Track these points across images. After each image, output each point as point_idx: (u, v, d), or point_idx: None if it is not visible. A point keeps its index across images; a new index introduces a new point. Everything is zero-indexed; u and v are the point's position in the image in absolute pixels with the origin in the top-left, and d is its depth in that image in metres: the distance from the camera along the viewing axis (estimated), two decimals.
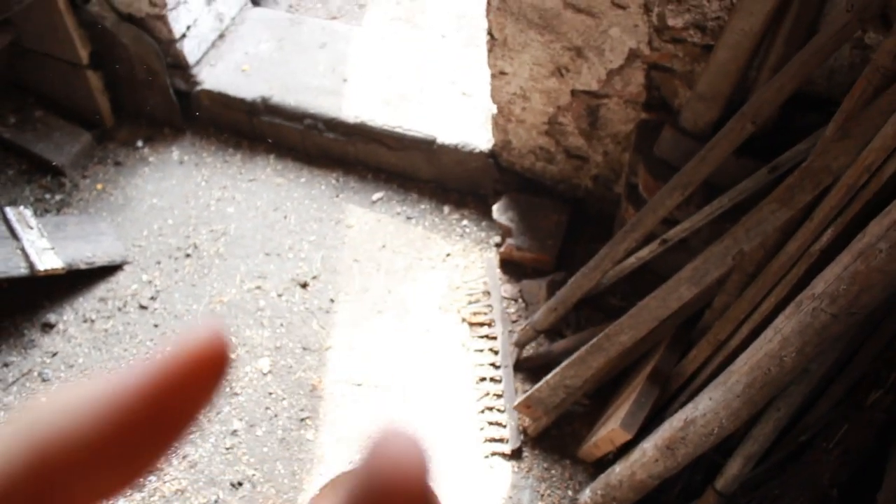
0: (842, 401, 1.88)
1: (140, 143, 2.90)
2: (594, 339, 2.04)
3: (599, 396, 2.25)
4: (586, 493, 2.09)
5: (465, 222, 2.64)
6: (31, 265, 2.35)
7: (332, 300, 2.51)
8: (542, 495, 2.17)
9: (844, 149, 1.69)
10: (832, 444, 1.88)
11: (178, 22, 2.63)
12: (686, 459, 1.86)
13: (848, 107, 1.70)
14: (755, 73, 1.94)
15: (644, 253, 2.12)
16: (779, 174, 1.90)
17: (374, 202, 2.72)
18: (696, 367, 1.96)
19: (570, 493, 2.18)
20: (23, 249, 2.39)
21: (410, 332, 2.43)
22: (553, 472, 2.20)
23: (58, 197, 2.77)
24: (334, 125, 2.68)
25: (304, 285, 2.54)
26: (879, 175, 1.60)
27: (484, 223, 2.61)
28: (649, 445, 1.91)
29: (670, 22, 1.96)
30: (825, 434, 1.89)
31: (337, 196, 2.75)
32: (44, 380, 2.44)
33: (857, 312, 1.56)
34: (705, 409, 1.78)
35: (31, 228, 2.48)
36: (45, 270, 2.36)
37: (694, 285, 1.90)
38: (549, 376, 2.12)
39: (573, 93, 2.22)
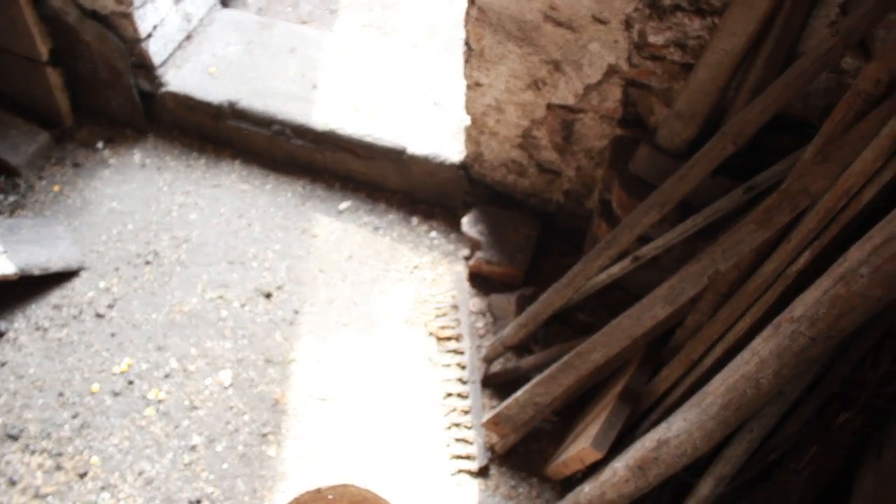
0: (811, 421, 1.88)
1: (100, 145, 2.80)
2: (566, 357, 2.01)
3: (568, 414, 2.22)
4: None
5: (433, 234, 2.59)
6: None
7: (296, 311, 2.45)
8: None
9: (823, 172, 1.69)
10: (801, 464, 1.88)
11: (144, 20, 2.55)
12: (658, 480, 1.84)
13: (828, 130, 1.70)
14: (734, 94, 1.94)
15: (615, 270, 2.10)
16: (753, 194, 1.90)
17: (341, 211, 2.67)
18: (667, 387, 1.95)
19: None
20: None
21: (376, 346, 2.38)
22: (520, 490, 2.17)
23: (12, 198, 2.65)
24: (302, 132, 2.62)
25: (268, 296, 2.47)
26: (858, 199, 1.60)
27: (453, 235, 2.57)
28: (620, 465, 1.89)
29: (651, 39, 1.95)
30: (794, 454, 1.89)
31: (303, 204, 2.68)
32: None
33: (836, 336, 1.55)
34: (679, 430, 1.76)
35: None
36: None
37: (668, 304, 1.89)
38: (518, 393, 2.09)
39: (549, 106, 2.20)
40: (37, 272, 2.39)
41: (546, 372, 2.04)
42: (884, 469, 1.76)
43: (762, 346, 1.62)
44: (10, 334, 2.38)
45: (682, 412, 1.78)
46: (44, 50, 2.55)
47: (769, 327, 1.61)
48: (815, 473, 1.87)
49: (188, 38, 2.81)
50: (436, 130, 2.57)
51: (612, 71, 2.06)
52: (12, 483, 2.11)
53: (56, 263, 2.45)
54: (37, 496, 2.10)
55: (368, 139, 2.55)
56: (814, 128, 1.74)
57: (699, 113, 1.95)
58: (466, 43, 2.20)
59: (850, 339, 1.78)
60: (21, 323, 2.41)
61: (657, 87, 2.05)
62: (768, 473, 1.94)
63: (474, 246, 2.43)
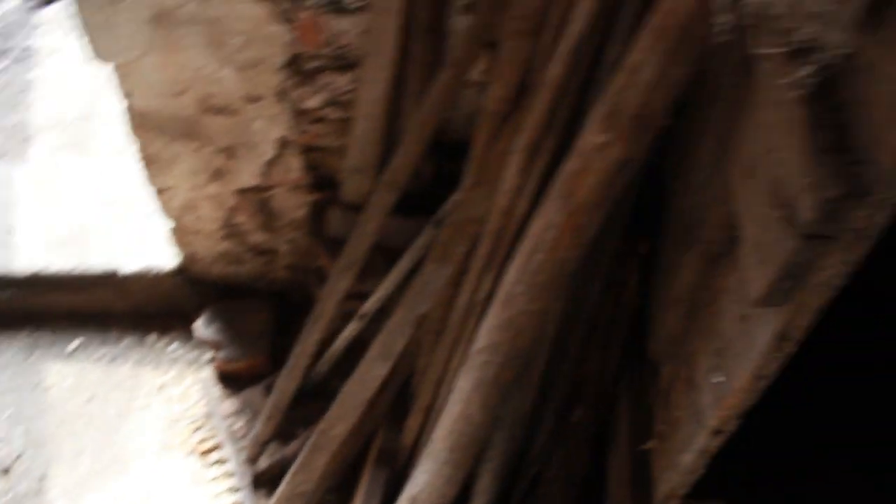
0: (554, 428, 1.91)
1: None
2: (311, 438, 1.95)
3: (346, 486, 2.15)
4: None
5: (173, 346, 2.46)
6: None
7: (41, 478, 2.22)
8: None
9: (481, 196, 1.73)
10: (554, 470, 1.90)
11: None
12: None
13: (476, 154, 1.75)
14: (398, 135, 1.97)
15: (348, 332, 2.07)
16: (440, 224, 1.92)
17: (71, 353, 2.46)
18: (414, 437, 1.92)
19: None
20: None
21: (136, 485, 2.20)
22: None
23: None
24: (7, 282, 2.43)
25: (6, 471, 2.24)
26: (514, 216, 1.64)
27: (193, 342, 2.45)
28: None
29: (308, 104, 1.95)
30: (548, 463, 1.91)
31: (29, 357, 2.46)
32: None
33: (523, 354, 1.58)
34: (423, 483, 1.74)
35: None
36: None
37: (385, 359, 1.87)
38: (280, 489, 2.00)
39: (238, 192, 2.15)
40: None
41: (298, 460, 1.97)
42: (620, 450, 1.80)
43: (464, 382, 1.63)
44: None
45: (422, 464, 1.75)
46: None
47: (464, 363, 1.63)
48: (570, 474, 1.90)
49: None
50: (151, 241, 2.45)
51: (283, 143, 2.04)
52: None
53: None
54: None
55: (77, 271, 2.40)
56: None
57: (370, 163, 1.95)
58: (140, 150, 2.12)
59: (559, 343, 1.83)
60: None
61: (332, 146, 2.05)
62: (533, 489, 1.95)
63: (214, 347, 2.33)
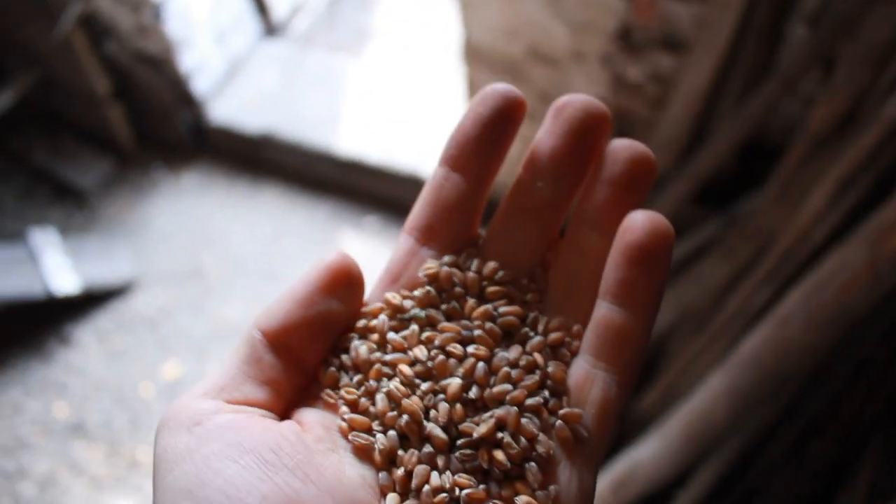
0: (788, 448, 1.91)
1: (156, 170, 3.10)
2: None
3: None
4: None
5: None
6: (48, 290, 2.56)
7: None
8: None
9: (781, 210, 1.73)
10: (775, 491, 1.92)
11: (186, 62, 2.80)
12: (634, 499, 1.93)
13: (786, 169, 1.73)
14: (710, 123, 1.98)
15: None
16: (729, 224, 1.94)
17: (367, 226, 2.86)
18: (645, 410, 2.02)
19: None
20: (43, 273, 2.61)
21: None
22: None
23: (81, 219, 2.98)
24: (329, 158, 2.81)
25: None
26: (810, 240, 1.63)
27: None
28: (602, 482, 1.98)
29: (628, 73, 2.01)
30: (769, 484, 1.93)
31: (333, 221, 2.88)
32: (62, 388, 2.66)
33: (781, 376, 1.60)
34: (648, 455, 1.85)
35: (55, 249, 2.70)
36: (62, 296, 2.58)
37: None
38: None
39: None
40: (98, 291, 2.70)
41: None
42: (856, 497, 1.78)
43: (716, 382, 1.68)
44: (77, 340, 2.71)
45: (651, 438, 1.86)
46: (103, 87, 2.84)
47: (722, 365, 1.68)
48: (789, 501, 1.90)
49: (229, 73, 3.05)
50: None
51: None
52: (76, 468, 2.43)
53: (115, 280, 2.76)
54: (93, 481, 2.42)
55: (386, 165, 2.72)
56: None
57: (676, 143, 2.00)
58: (466, 77, 2.32)
59: (824, 371, 1.81)
60: (84, 330, 2.73)
61: (640, 118, 2.11)
62: (746, 499, 1.98)
63: None
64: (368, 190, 2.87)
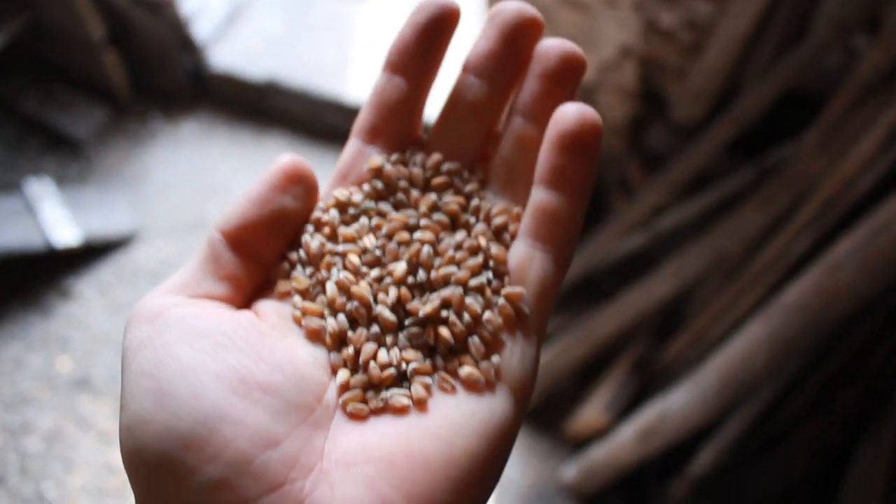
0: (813, 398, 1.94)
1: (154, 119, 2.99)
2: (576, 329, 2.12)
3: (583, 378, 2.33)
4: (569, 470, 2.18)
5: None
6: (48, 242, 2.47)
7: None
8: (529, 467, 2.28)
9: (823, 159, 1.72)
10: (800, 436, 1.95)
11: (186, 5, 2.69)
12: (661, 447, 1.95)
13: (830, 116, 1.73)
14: (745, 72, 1.96)
15: (633, 243, 2.18)
16: (764, 173, 1.94)
17: None
18: (673, 358, 2.03)
19: (552, 467, 2.28)
20: (41, 225, 2.51)
21: None
22: (539, 447, 2.30)
23: (77, 170, 2.87)
24: (337, 106, 2.74)
25: None
26: (855, 188, 1.63)
27: None
28: (627, 431, 2.00)
29: (662, 19, 1.98)
30: (796, 428, 1.96)
31: None
32: (65, 342, 2.58)
33: (825, 325, 1.61)
34: (679, 403, 1.86)
35: (52, 200, 2.60)
36: (63, 248, 2.49)
37: (675, 280, 1.96)
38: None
39: None
40: (98, 242, 2.61)
41: (560, 345, 2.15)
42: (881, 444, 1.82)
43: (756, 330, 1.69)
44: (77, 293, 2.63)
45: (684, 387, 1.87)
46: (98, 32, 2.71)
47: (763, 312, 1.68)
48: (815, 449, 1.94)
49: (231, 18, 2.94)
50: None
51: (626, 49, 2.09)
52: (83, 422, 2.38)
53: (116, 231, 2.67)
54: (102, 436, 2.37)
55: None
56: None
57: (710, 92, 1.98)
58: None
59: (854, 321, 1.83)
60: (85, 283, 2.65)
61: (672, 65, 2.08)
62: (770, 446, 2.01)
63: None
64: None
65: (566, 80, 0.53)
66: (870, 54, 1.61)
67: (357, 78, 2.79)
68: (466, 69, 0.55)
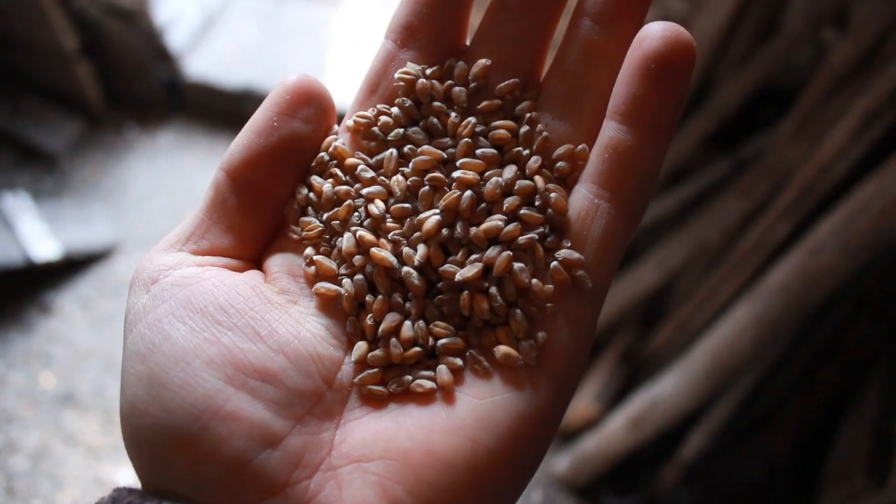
0: (796, 379, 2.00)
1: (130, 130, 2.97)
2: None
3: None
4: (561, 462, 2.22)
5: None
6: (27, 256, 2.44)
7: None
8: None
9: (800, 147, 1.79)
10: (785, 417, 2.01)
11: (161, 15, 2.68)
12: (651, 434, 1.99)
13: (804, 106, 1.79)
14: (720, 67, 2.02)
15: None
16: (742, 164, 2.00)
17: None
18: (660, 347, 2.08)
19: (544, 460, 2.31)
20: (19, 239, 2.48)
21: None
22: None
23: (52, 183, 2.84)
24: None
25: None
26: (831, 174, 1.70)
27: None
28: (618, 421, 2.04)
29: None
30: (780, 409, 2.03)
31: None
32: (47, 358, 2.55)
33: (808, 305, 1.67)
34: (669, 389, 1.90)
35: (29, 214, 2.57)
36: (42, 263, 2.46)
37: (659, 271, 2.01)
38: None
39: None
40: (79, 256, 2.59)
41: None
42: (861, 420, 1.88)
43: (742, 314, 1.74)
44: (58, 308, 2.60)
45: (671, 373, 1.91)
46: (71, 44, 2.69)
47: (748, 296, 1.74)
48: (800, 426, 2.00)
49: (205, 26, 2.94)
50: None
51: None
52: (70, 438, 2.35)
53: (96, 244, 2.65)
54: (90, 451, 2.34)
55: None
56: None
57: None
58: None
59: (831, 302, 1.90)
60: (66, 297, 2.62)
61: None
62: (756, 428, 2.07)
63: None
64: None
65: None
66: (840, 46, 1.68)
67: (333, 83, 2.80)
68: None
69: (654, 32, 0.39)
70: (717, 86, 1.99)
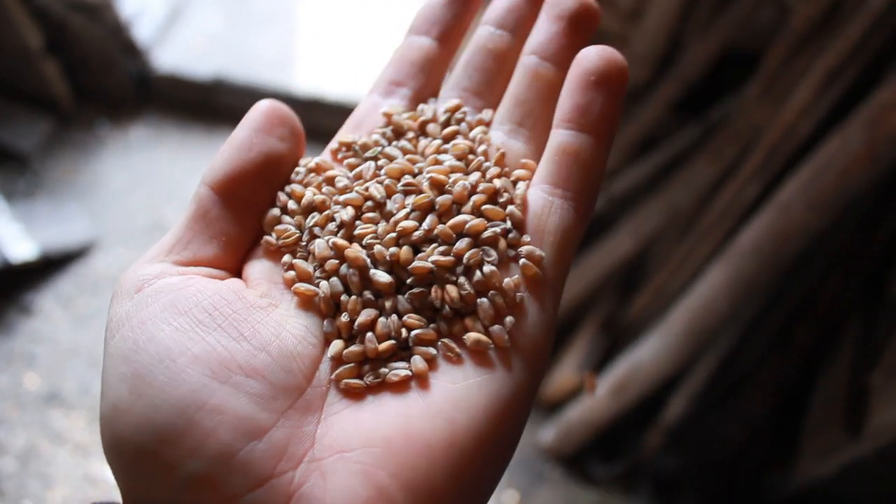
0: (772, 336, 2.03)
1: (101, 126, 2.95)
2: None
3: (554, 342, 2.39)
4: (546, 433, 2.24)
5: None
6: (3, 258, 2.43)
7: None
8: None
9: (766, 108, 1.81)
10: (763, 376, 2.05)
11: (126, 8, 2.66)
12: (634, 400, 2.02)
13: (768, 67, 1.81)
14: (685, 32, 2.03)
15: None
16: (710, 128, 2.01)
17: None
18: (639, 314, 2.11)
19: (529, 432, 2.34)
20: None
21: None
22: None
23: (24, 184, 2.82)
24: (286, 100, 2.74)
25: None
26: (797, 133, 1.72)
27: None
28: (600, 389, 2.06)
29: None
30: (758, 369, 2.06)
31: None
32: (30, 359, 2.54)
33: (780, 263, 1.69)
34: (649, 354, 1.93)
35: (3, 215, 2.55)
36: (19, 263, 2.45)
37: (633, 239, 2.03)
38: None
39: None
40: (56, 255, 2.58)
41: None
42: (836, 375, 1.92)
43: (716, 276, 1.77)
44: (39, 308, 2.59)
45: (651, 339, 1.94)
46: (35, 41, 2.67)
47: (721, 257, 1.76)
48: (778, 385, 2.04)
49: (172, 18, 2.91)
50: None
51: None
52: (58, 437, 2.35)
53: (73, 243, 2.63)
54: (79, 448, 2.34)
55: (348, 101, 2.67)
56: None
57: (653, 55, 2.05)
58: None
59: (804, 262, 1.92)
60: (46, 297, 2.61)
61: (613, 33, 2.14)
62: (734, 389, 2.10)
63: None
64: (330, 128, 2.81)
65: (582, 23, 0.52)
66: (801, 7, 1.69)
67: (303, 70, 2.79)
68: (487, 22, 0.54)
69: (592, 53, 0.47)
70: (682, 52, 2.00)
